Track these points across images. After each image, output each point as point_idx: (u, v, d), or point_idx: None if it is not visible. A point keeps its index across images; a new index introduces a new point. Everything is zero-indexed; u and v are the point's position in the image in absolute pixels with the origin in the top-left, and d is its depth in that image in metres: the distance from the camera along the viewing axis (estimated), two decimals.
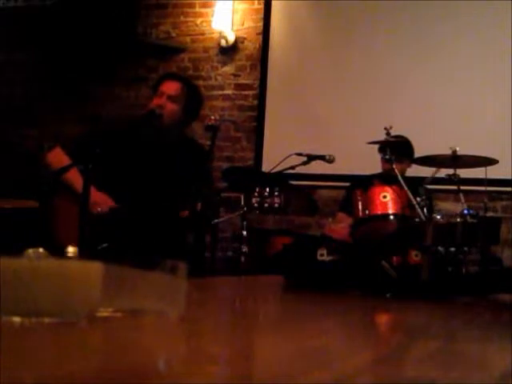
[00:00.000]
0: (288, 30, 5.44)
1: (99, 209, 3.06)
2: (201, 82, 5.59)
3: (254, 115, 5.46)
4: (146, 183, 3.22)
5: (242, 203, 3.06)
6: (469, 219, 2.76)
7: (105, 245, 3.01)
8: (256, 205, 3.01)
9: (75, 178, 3.03)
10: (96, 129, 3.64)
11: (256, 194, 3.00)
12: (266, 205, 3.01)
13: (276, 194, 3.00)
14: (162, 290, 1.04)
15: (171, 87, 3.30)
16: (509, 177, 4.60)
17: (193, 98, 3.37)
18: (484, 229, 2.73)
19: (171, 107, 3.27)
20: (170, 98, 3.26)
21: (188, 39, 5.71)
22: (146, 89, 5.33)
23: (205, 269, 3.76)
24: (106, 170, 3.12)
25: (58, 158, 3.19)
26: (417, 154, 3.94)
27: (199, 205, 3.08)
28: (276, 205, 3.01)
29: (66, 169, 3.02)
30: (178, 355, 0.85)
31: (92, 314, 0.96)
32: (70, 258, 1.03)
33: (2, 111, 5.81)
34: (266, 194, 3.00)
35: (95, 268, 0.95)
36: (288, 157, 3.78)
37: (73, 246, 1.06)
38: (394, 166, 3.30)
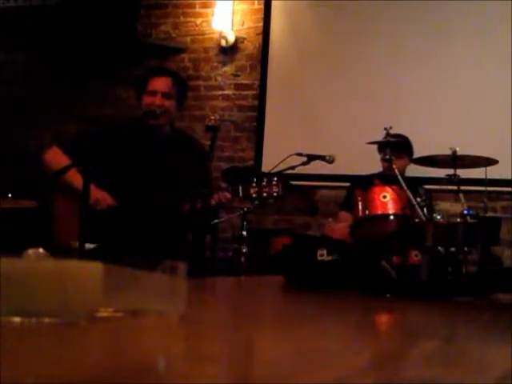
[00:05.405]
0: (288, 30, 5.44)
1: (99, 206, 3.06)
2: (201, 82, 5.60)
3: (254, 115, 5.46)
4: (146, 183, 3.22)
5: (240, 194, 3.04)
6: (469, 219, 2.76)
7: (93, 245, 2.97)
8: (254, 195, 3.00)
9: (74, 177, 3.03)
10: (89, 129, 3.60)
11: (254, 184, 2.99)
12: (265, 194, 2.99)
13: (274, 182, 2.99)
14: (162, 290, 1.04)
15: (164, 84, 3.26)
16: (509, 177, 4.60)
17: (182, 89, 3.36)
18: (484, 229, 2.73)
19: (168, 104, 3.25)
20: (165, 95, 3.24)
21: (188, 39, 5.71)
22: None
23: (205, 269, 3.76)
24: (105, 170, 3.11)
25: (55, 157, 3.19)
26: (417, 154, 3.95)
27: (199, 205, 3.08)
28: (275, 193, 2.99)
29: (65, 169, 3.01)
30: (178, 355, 0.85)
31: (92, 314, 0.96)
32: None
33: (2, 111, 5.81)
34: (264, 183, 2.99)
35: (95, 268, 0.95)
36: (288, 157, 3.78)
37: None
38: (394, 163, 3.30)
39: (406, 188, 3.11)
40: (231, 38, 5.52)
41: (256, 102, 5.46)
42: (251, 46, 5.54)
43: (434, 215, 2.83)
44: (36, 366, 0.68)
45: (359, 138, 3.88)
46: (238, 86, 5.55)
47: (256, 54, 5.51)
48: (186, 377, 0.69)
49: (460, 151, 3.33)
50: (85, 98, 5.76)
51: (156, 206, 3.14)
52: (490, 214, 3.40)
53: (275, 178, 3.02)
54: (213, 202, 3.05)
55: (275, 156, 3.97)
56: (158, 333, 1.01)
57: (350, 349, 1.00)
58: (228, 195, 3.06)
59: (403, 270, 2.67)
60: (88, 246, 2.84)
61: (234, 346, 0.97)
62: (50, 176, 3.16)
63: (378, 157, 4.02)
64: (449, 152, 3.33)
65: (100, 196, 3.08)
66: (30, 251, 1.06)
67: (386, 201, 3.35)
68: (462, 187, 3.32)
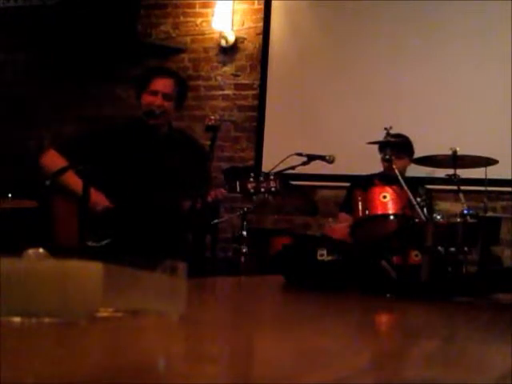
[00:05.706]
0: (288, 30, 5.44)
1: (97, 208, 3.06)
2: (201, 82, 5.60)
3: (254, 115, 5.46)
4: (146, 182, 3.21)
5: (238, 189, 3.04)
6: (469, 219, 2.76)
7: (107, 240, 3.02)
8: (252, 190, 3.00)
9: (71, 179, 3.03)
10: (87, 130, 3.61)
11: (251, 179, 2.99)
12: (263, 189, 3.00)
13: (271, 177, 2.99)
14: (162, 290, 1.04)
15: (166, 85, 3.25)
16: (509, 177, 4.60)
17: (182, 91, 3.36)
18: (484, 229, 2.73)
19: (168, 105, 3.25)
20: (165, 96, 3.24)
21: (188, 39, 5.71)
22: None
23: (205, 269, 3.76)
24: (104, 170, 3.12)
25: (52, 160, 3.18)
26: (417, 154, 3.95)
27: (199, 204, 3.09)
28: (273, 189, 3.00)
29: (62, 171, 3.01)
30: (178, 355, 0.85)
31: (92, 314, 0.96)
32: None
33: (2, 111, 5.81)
34: (262, 179, 2.99)
35: (95, 268, 0.95)
36: (288, 157, 3.78)
37: None
38: (394, 163, 3.30)
39: (406, 188, 3.11)
40: (231, 38, 5.53)
41: (256, 102, 5.46)
42: (251, 46, 5.54)
43: (434, 215, 2.83)
44: (36, 366, 0.68)
45: (359, 138, 3.88)
46: (238, 86, 5.55)
47: (256, 53, 5.51)
48: (186, 377, 0.69)
49: (460, 151, 3.33)
50: (85, 98, 5.76)
51: (156, 205, 3.14)
52: (490, 214, 3.40)
53: (273, 174, 3.03)
54: (209, 199, 3.06)
55: (275, 156, 3.97)
56: (157, 333, 1.01)
57: (350, 349, 1.00)
58: (224, 191, 3.06)
59: (403, 270, 2.67)
60: (100, 243, 2.91)
61: (233, 346, 0.97)
62: (48, 178, 3.16)
63: (379, 157, 4.02)
64: (449, 152, 3.34)
65: (98, 199, 3.08)
66: (30, 251, 1.06)
67: (386, 201, 3.35)
68: (462, 187, 3.32)
